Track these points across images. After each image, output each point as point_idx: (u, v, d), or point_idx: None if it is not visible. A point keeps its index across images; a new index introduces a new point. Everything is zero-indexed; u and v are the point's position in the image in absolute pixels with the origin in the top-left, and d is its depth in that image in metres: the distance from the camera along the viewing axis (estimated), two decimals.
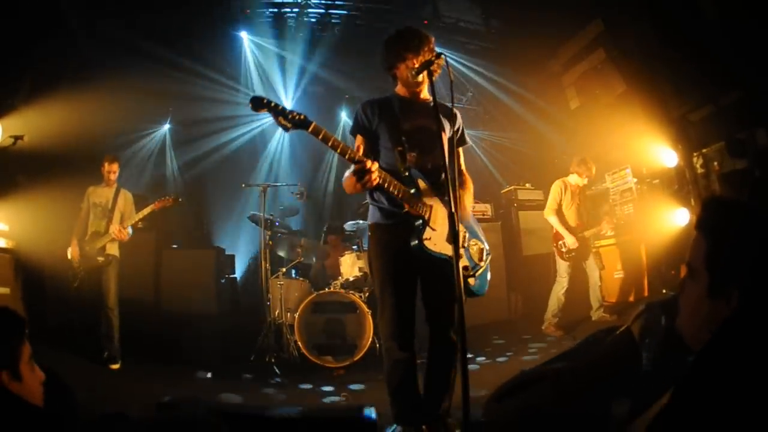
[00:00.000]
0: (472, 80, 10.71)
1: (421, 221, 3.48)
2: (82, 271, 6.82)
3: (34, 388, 2.34)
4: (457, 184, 3.09)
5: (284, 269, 7.77)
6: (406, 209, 3.48)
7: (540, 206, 7.86)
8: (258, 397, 5.52)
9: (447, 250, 3.39)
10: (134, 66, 9.04)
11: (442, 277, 3.41)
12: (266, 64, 10.43)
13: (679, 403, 1.53)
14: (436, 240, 3.47)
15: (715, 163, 7.38)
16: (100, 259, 6.79)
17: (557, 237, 7.51)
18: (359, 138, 3.77)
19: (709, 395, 1.46)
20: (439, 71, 3.42)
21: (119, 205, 7.08)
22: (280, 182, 8.09)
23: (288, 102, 11.40)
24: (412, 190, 3.49)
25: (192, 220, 11.07)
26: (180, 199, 7.12)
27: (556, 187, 7.65)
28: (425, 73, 3.28)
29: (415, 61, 3.52)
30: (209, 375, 6.45)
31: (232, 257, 11.01)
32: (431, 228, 3.47)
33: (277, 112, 3.09)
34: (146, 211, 6.89)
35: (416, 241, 3.45)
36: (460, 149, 3.91)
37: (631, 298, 8.01)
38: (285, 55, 10.12)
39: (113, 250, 6.93)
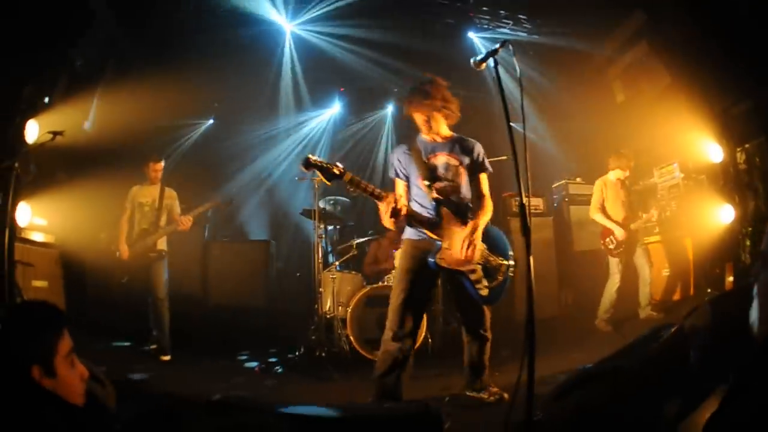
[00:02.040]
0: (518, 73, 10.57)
1: (438, 243, 4.30)
2: (132, 268, 7.03)
3: (73, 385, 2.24)
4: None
5: (337, 262, 7.83)
6: (427, 234, 4.34)
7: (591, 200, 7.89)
8: (310, 394, 5.62)
9: (458, 266, 4.31)
10: (175, 61, 9.06)
11: (459, 286, 4.46)
12: (309, 56, 10.42)
13: (742, 394, 1.56)
14: (449, 259, 4.29)
15: (757, 159, 7.27)
16: (153, 254, 7.05)
17: (604, 234, 7.59)
18: (397, 181, 4.71)
19: None
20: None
21: (166, 202, 7.30)
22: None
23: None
24: (436, 218, 4.36)
25: (241, 213, 11.19)
26: (233, 201, 7.35)
27: (597, 187, 7.82)
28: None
29: (417, 114, 4.52)
30: (257, 369, 6.60)
31: (282, 250, 11.07)
32: (446, 248, 4.28)
33: (322, 170, 4.10)
34: (202, 208, 7.22)
35: (432, 259, 4.28)
36: (483, 175, 4.68)
37: (677, 297, 7.98)
38: (330, 47, 10.07)
39: (163, 245, 7.19)
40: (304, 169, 4.19)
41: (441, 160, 4.55)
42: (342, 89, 11.74)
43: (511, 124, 3.24)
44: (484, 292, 4.36)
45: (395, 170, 4.69)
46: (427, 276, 4.44)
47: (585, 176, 9.56)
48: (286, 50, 10.15)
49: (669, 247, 8.18)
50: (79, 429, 2.19)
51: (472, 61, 3.62)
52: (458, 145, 4.60)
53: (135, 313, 7.20)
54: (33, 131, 6.52)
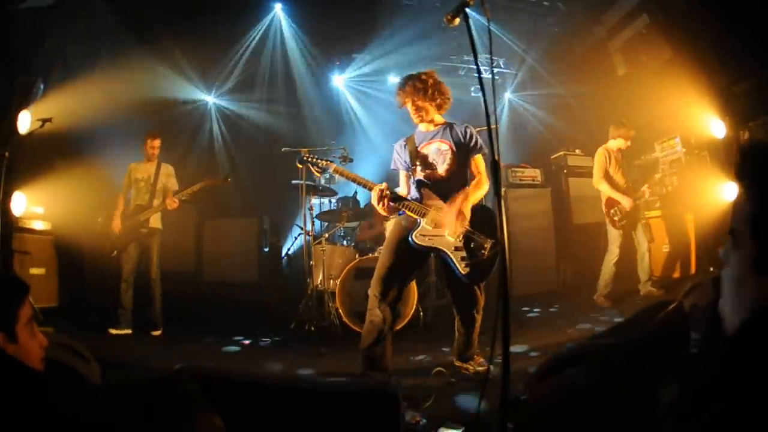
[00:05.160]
0: (518, 45, 10.53)
1: (419, 221, 4.51)
2: (122, 242, 7.09)
3: (33, 351, 2.33)
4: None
5: (327, 234, 7.66)
6: (407, 213, 4.57)
7: (591, 173, 7.68)
8: (293, 366, 5.51)
9: (436, 243, 4.47)
10: (168, 41, 9.23)
11: (444, 263, 4.58)
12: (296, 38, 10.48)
13: (711, 393, 1.39)
14: (428, 235, 4.48)
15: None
16: (144, 230, 7.13)
17: (609, 204, 7.39)
18: (400, 172, 4.95)
19: (744, 385, 1.31)
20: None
21: (161, 178, 7.38)
22: (325, 146, 7.76)
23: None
24: (419, 198, 4.61)
25: (235, 189, 11.09)
26: (229, 179, 7.48)
27: (600, 156, 7.55)
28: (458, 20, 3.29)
29: (409, 104, 4.71)
30: (247, 342, 6.58)
31: (275, 225, 11.00)
32: (426, 226, 4.48)
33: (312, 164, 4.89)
34: (196, 187, 7.22)
35: (411, 238, 4.48)
36: (477, 156, 4.76)
37: (678, 274, 7.85)
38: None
39: (156, 222, 7.28)
40: (299, 166, 5.11)
41: (432, 146, 4.74)
42: None
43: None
44: (465, 270, 4.43)
45: (394, 162, 4.96)
46: (412, 250, 4.53)
47: (584, 148, 9.42)
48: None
49: (670, 222, 8.03)
50: (38, 393, 2.14)
51: (444, 18, 3.34)
52: (450, 131, 4.75)
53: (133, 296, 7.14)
54: (25, 121, 6.56)
